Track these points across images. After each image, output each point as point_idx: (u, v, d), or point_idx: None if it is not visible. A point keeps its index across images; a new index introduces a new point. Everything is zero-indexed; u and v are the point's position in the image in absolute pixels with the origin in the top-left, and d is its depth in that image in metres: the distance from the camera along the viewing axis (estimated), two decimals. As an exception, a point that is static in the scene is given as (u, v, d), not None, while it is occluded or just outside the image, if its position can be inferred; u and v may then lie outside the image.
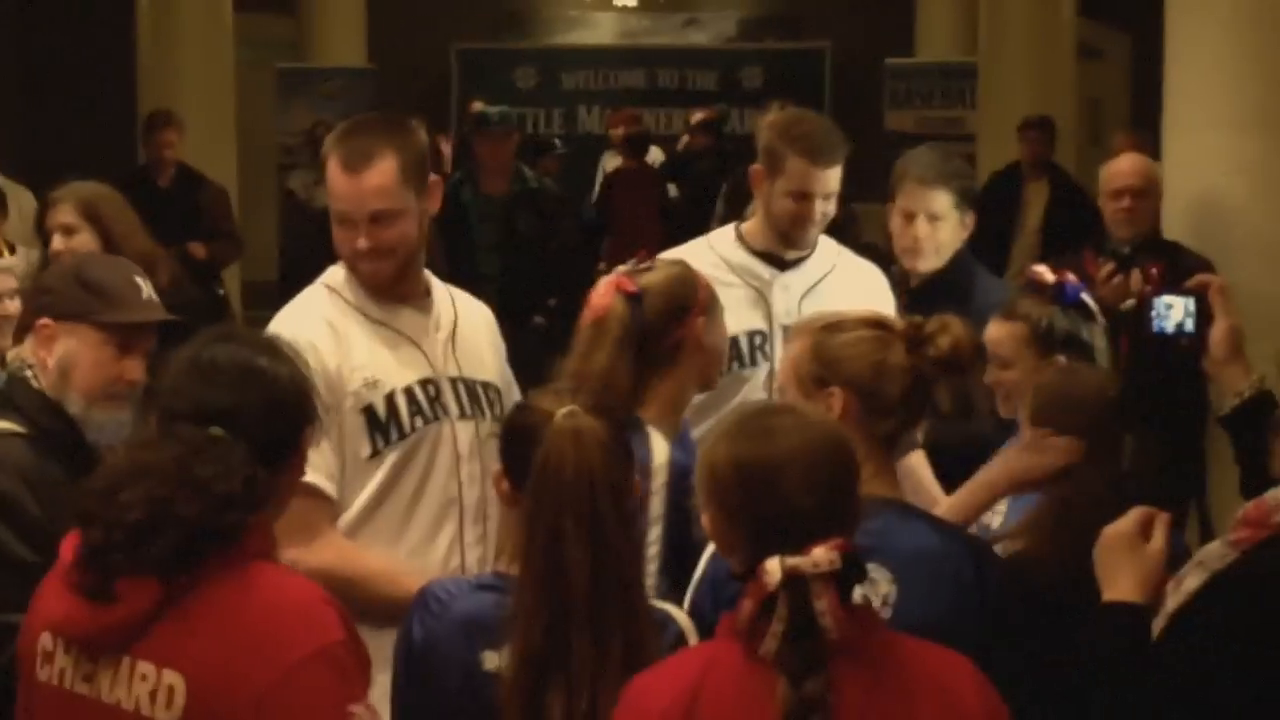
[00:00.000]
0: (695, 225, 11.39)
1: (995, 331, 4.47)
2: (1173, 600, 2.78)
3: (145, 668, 2.72)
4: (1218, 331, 3.56)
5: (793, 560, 2.67)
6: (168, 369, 2.97)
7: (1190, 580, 2.77)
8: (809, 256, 5.02)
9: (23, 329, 3.90)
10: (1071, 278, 4.55)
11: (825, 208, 4.92)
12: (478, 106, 13.28)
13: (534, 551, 3.10)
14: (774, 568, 2.67)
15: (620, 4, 20.06)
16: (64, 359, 3.75)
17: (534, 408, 3.26)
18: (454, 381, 4.01)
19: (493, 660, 3.14)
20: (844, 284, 5.00)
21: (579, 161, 15.84)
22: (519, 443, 3.20)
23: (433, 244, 4.46)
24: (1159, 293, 3.65)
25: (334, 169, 3.92)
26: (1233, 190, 7.15)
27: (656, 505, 3.80)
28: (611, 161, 14.92)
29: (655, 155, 15.17)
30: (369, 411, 3.88)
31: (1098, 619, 2.88)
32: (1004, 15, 13.58)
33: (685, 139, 14.79)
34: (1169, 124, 7.60)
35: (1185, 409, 6.27)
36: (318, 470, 3.70)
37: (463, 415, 3.97)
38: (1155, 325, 3.63)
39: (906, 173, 5.52)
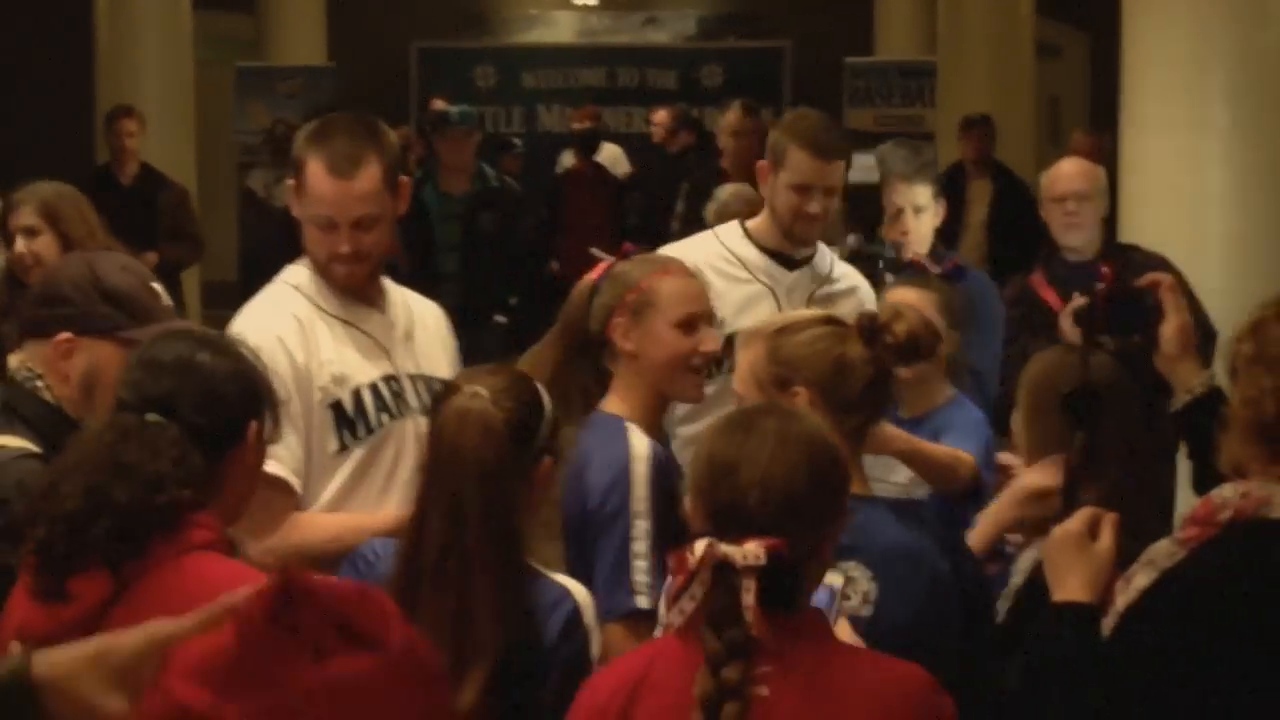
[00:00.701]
0: (654, 226, 11.42)
1: (911, 296, 4.59)
2: (1122, 599, 2.79)
3: None
4: (1169, 329, 3.58)
5: (723, 547, 2.71)
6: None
7: (1139, 579, 2.78)
8: (814, 257, 5.02)
9: (25, 334, 3.70)
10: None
11: (827, 203, 4.93)
12: (439, 105, 13.26)
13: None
14: (699, 547, 2.72)
15: (580, 3, 20.06)
16: (88, 375, 3.57)
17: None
18: (413, 379, 4.02)
19: None
20: (846, 284, 5.05)
21: (539, 160, 15.83)
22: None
23: (395, 243, 4.46)
24: (1111, 288, 3.67)
25: (318, 173, 3.89)
26: (1190, 188, 7.20)
27: (640, 499, 3.79)
28: (570, 160, 14.92)
29: (613, 153, 15.14)
30: (337, 407, 3.89)
31: (1047, 619, 2.89)
32: (963, 14, 13.62)
33: (660, 135, 14.44)
34: (1127, 122, 7.65)
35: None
36: (283, 463, 3.75)
37: (424, 411, 3.97)
38: (1109, 323, 3.66)
39: (889, 170, 5.65)
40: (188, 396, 2.89)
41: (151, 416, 2.86)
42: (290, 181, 3.99)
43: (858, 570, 3.28)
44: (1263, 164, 7.21)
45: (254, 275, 4.82)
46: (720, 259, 4.85)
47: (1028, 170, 12.89)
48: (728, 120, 10.14)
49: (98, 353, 3.57)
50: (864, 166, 6.66)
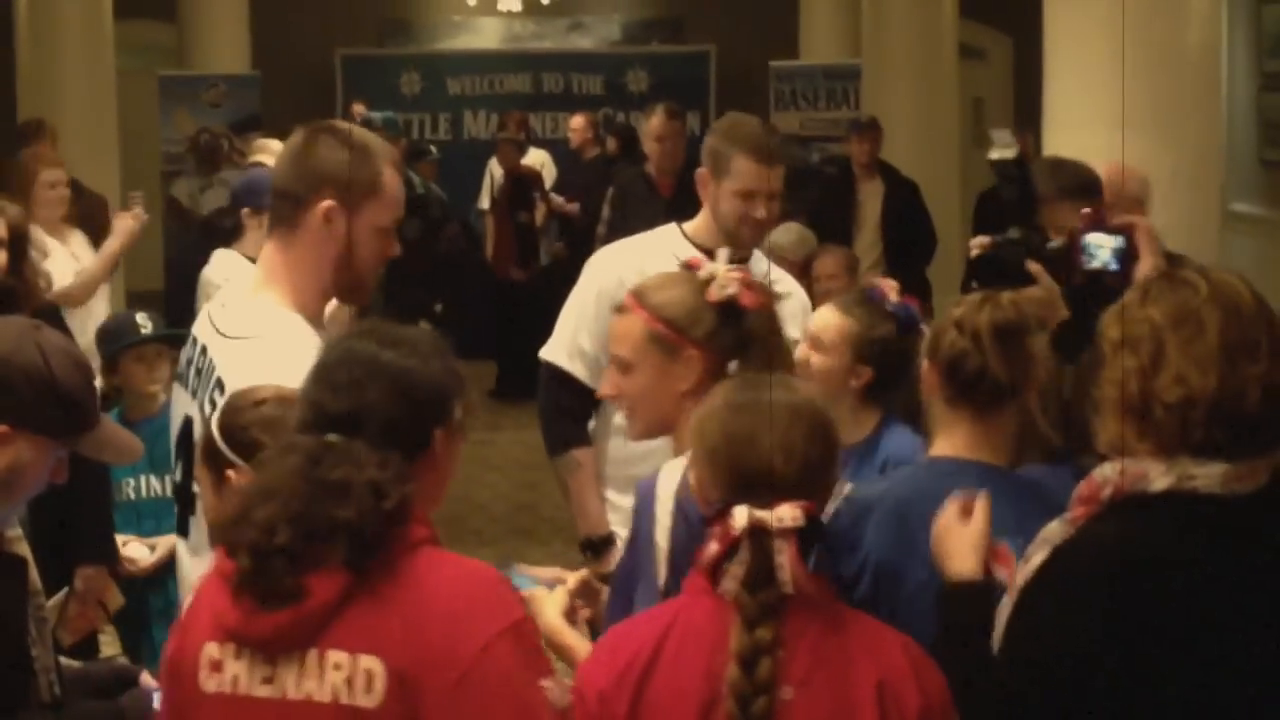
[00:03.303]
0: (578, 232, 11.41)
1: (828, 317, 4.46)
2: (1021, 576, 2.95)
3: (338, 656, 2.73)
4: (1143, 270, 3.63)
5: (759, 513, 2.93)
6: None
7: (1036, 557, 2.93)
8: (750, 259, 5.00)
9: None
10: (910, 302, 4.48)
11: (771, 207, 5.01)
12: (360, 111, 13.22)
13: None
14: (740, 514, 2.94)
15: (504, 9, 20.01)
16: (11, 470, 3.28)
17: None
18: None
19: None
20: (783, 287, 5.01)
21: (465, 167, 15.80)
22: None
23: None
24: (1089, 230, 3.72)
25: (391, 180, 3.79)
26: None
27: None
28: (498, 168, 14.92)
29: (540, 158, 15.14)
30: None
31: (940, 602, 3.14)
32: (886, 17, 13.68)
33: (576, 141, 14.42)
34: (1049, 122, 7.72)
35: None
36: None
37: None
38: (1085, 262, 3.72)
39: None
40: (378, 406, 2.82)
41: (331, 437, 2.79)
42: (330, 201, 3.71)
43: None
44: (1183, 162, 7.28)
45: (179, 284, 4.79)
46: (666, 262, 4.84)
47: (953, 171, 13.00)
48: (652, 125, 10.15)
49: (31, 449, 3.30)
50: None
